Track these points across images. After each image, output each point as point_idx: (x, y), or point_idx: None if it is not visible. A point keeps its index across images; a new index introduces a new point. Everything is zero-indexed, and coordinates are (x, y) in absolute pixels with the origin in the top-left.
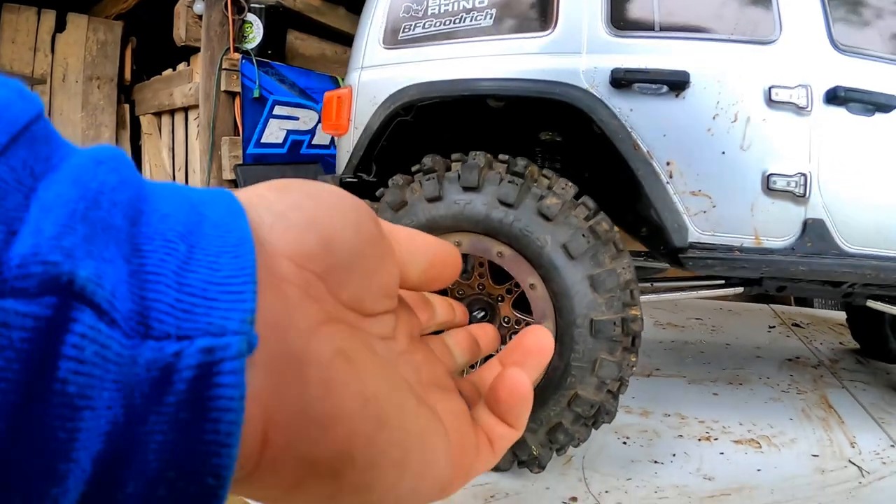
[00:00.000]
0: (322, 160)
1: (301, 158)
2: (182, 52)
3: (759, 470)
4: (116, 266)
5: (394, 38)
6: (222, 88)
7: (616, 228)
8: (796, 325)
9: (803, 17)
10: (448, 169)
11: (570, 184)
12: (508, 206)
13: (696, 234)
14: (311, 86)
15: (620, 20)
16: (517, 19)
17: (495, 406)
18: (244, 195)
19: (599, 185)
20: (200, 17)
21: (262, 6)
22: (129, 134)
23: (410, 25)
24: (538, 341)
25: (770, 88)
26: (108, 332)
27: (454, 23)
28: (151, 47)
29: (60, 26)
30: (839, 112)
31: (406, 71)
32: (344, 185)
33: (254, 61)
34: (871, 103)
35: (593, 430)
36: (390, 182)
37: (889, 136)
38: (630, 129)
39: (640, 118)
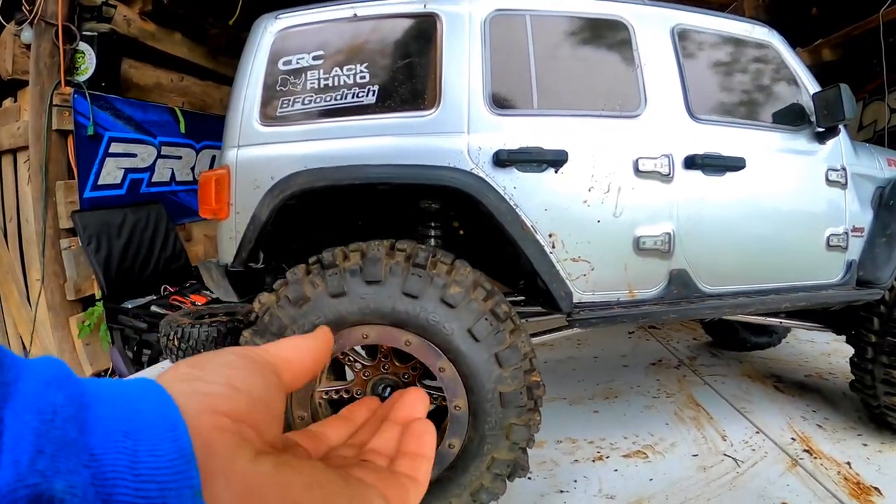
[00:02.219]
0: (164, 198)
1: (141, 198)
2: (7, 86)
3: (650, 479)
4: (81, 474)
5: (271, 115)
6: (54, 127)
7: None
8: (652, 326)
9: (664, 90)
10: (346, 258)
11: (468, 267)
12: (413, 297)
13: (578, 294)
14: (149, 119)
15: (501, 99)
16: (400, 97)
17: (407, 449)
18: (170, 379)
19: (480, 243)
20: (28, 46)
21: (95, 34)
22: None
23: (289, 101)
24: (421, 443)
25: (637, 160)
26: None
27: (335, 99)
28: None
29: None
30: (696, 175)
31: (287, 150)
32: (230, 274)
33: (87, 95)
34: (723, 166)
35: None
36: (289, 276)
37: (737, 191)
38: (515, 206)
39: (523, 195)
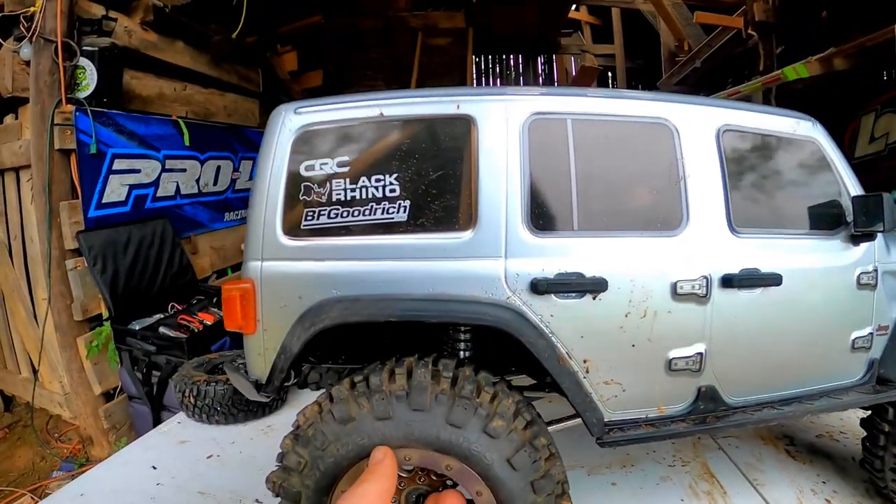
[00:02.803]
0: (169, 213)
1: (146, 214)
2: (8, 101)
3: None
4: None
5: (296, 226)
6: (56, 147)
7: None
8: None
9: (707, 204)
10: (391, 379)
11: (510, 399)
12: (457, 427)
13: (608, 414)
14: (153, 133)
15: (540, 218)
16: (434, 215)
17: None
18: None
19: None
20: (28, 62)
21: (95, 49)
22: None
23: (314, 213)
24: None
25: (676, 283)
26: None
27: (363, 214)
28: None
29: None
30: (732, 293)
31: (315, 268)
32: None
33: (89, 112)
34: (760, 284)
35: None
36: (334, 394)
37: (771, 306)
38: (551, 335)
39: (559, 322)
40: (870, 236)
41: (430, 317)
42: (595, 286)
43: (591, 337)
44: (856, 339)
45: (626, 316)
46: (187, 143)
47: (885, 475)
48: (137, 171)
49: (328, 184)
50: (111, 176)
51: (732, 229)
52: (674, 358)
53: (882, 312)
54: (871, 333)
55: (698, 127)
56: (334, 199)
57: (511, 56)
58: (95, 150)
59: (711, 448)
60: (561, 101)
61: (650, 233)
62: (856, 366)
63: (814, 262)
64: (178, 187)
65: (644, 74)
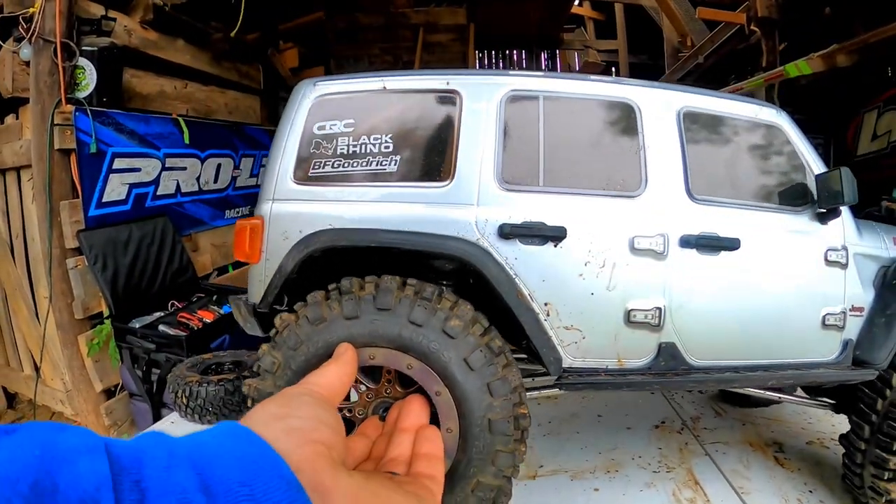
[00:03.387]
0: (170, 210)
1: (147, 212)
2: (8, 101)
3: None
4: None
5: (304, 174)
6: (56, 146)
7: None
8: None
9: (665, 172)
10: (361, 287)
11: (469, 306)
12: (418, 326)
13: (568, 360)
14: (153, 131)
15: (509, 176)
16: (418, 169)
17: (422, 451)
18: (265, 418)
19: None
20: (28, 63)
21: (95, 48)
22: None
23: (320, 163)
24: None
25: (634, 238)
26: None
27: (361, 165)
28: None
29: None
30: (691, 254)
31: (315, 209)
32: (258, 313)
33: (88, 112)
34: (718, 246)
35: None
36: (309, 298)
37: (731, 270)
38: (514, 276)
39: (523, 266)
40: (835, 212)
41: (405, 245)
42: (556, 234)
43: (551, 282)
44: (826, 315)
45: (586, 265)
46: (187, 142)
47: (865, 492)
48: (138, 170)
49: (335, 140)
50: (111, 175)
51: (691, 196)
52: (632, 309)
53: (856, 294)
54: (844, 312)
55: (659, 107)
56: (338, 153)
57: (514, 52)
58: (95, 150)
59: (698, 454)
60: (535, 82)
61: (610, 193)
62: (829, 345)
63: (776, 234)
64: (178, 185)
65: (647, 70)
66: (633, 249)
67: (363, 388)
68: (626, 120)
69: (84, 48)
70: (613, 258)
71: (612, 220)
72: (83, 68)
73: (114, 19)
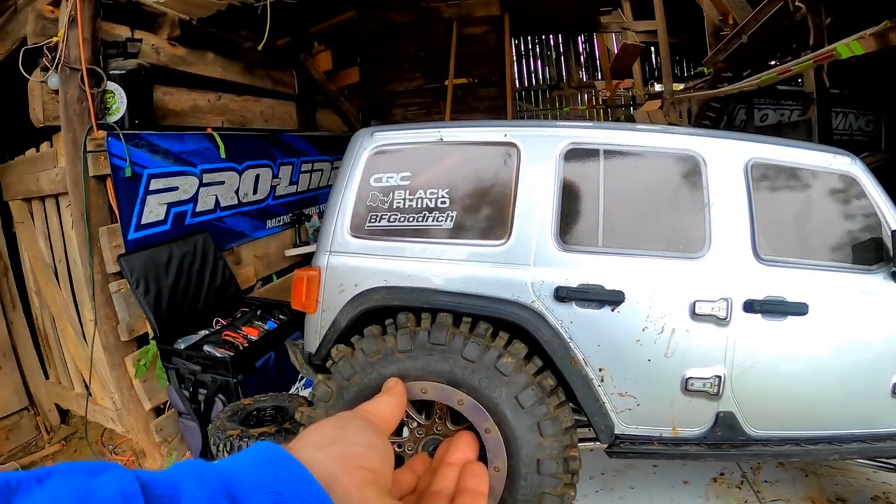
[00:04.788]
0: (209, 226)
1: (187, 230)
2: (42, 129)
3: None
4: None
5: (360, 227)
6: (91, 174)
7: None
8: None
9: (731, 231)
10: (417, 323)
11: (522, 345)
12: (470, 361)
13: (621, 427)
14: (188, 149)
15: (567, 235)
16: (475, 226)
17: (467, 487)
18: (316, 443)
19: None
20: (57, 92)
21: (123, 71)
22: (1, 221)
23: (376, 216)
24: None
25: (695, 302)
26: None
27: (417, 220)
28: (12, 117)
29: None
30: (755, 319)
31: (371, 263)
32: (312, 364)
33: (121, 136)
34: (785, 312)
35: None
36: (366, 332)
37: (797, 336)
38: (569, 340)
39: (578, 329)
40: None
41: (459, 309)
42: (614, 298)
43: (607, 347)
44: None
45: (644, 330)
46: (223, 156)
47: None
48: (175, 189)
49: (391, 193)
50: (148, 196)
51: (758, 256)
52: (691, 377)
53: None
54: None
55: (726, 159)
56: (395, 207)
57: (550, 37)
58: (131, 173)
59: None
60: (596, 134)
61: (672, 254)
62: None
63: (847, 296)
64: (217, 200)
65: (688, 50)
66: (694, 315)
67: (414, 424)
68: (690, 174)
69: (112, 72)
70: (673, 323)
71: (673, 283)
72: (112, 92)
73: (139, 40)
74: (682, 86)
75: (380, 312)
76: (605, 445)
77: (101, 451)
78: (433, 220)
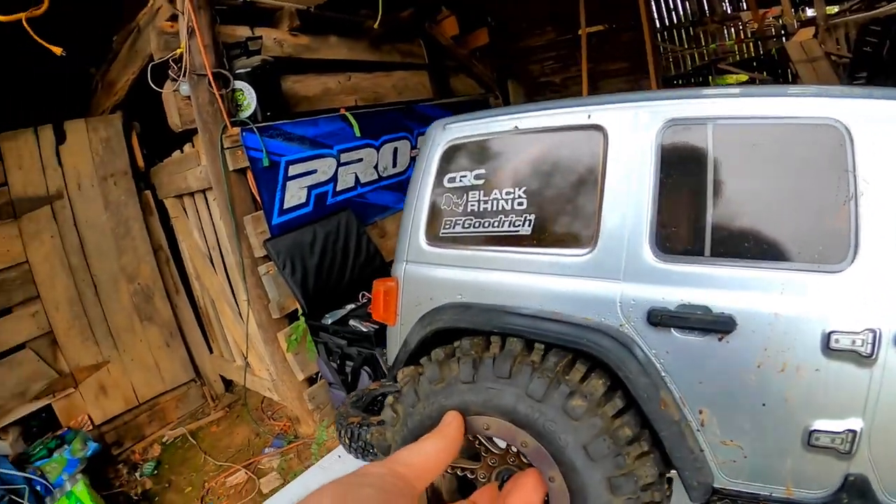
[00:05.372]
0: (351, 204)
1: (329, 210)
2: (185, 132)
3: None
4: None
5: (434, 234)
6: (230, 168)
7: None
8: None
9: (889, 235)
10: (485, 349)
11: (601, 382)
12: (536, 400)
13: (721, 479)
14: (322, 132)
15: (666, 241)
16: (556, 231)
17: None
18: None
19: None
20: (189, 97)
21: (248, 69)
22: (159, 217)
23: (451, 222)
24: None
25: (830, 334)
26: None
27: (493, 226)
28: (157, 125)
29: (60, 138)
30: None
31: (445, 274)
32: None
33: (254, 130)
34: None
35: None
36: (432, 355)
37: None
38: (664, 374)
39: (676, 362)
40: None
41: (528, 334)
42: (722, 325)
43: (710, 385)
44: None
45: (759, 366)
46: (358, 134)
47: None
48: (314, 172)
49: (465, 195)
50: (288, 182)
51: None
52: (816, 430)
53: None
54: None
55: (885, 128)
56: (469, 210)
57: None
58: (268, 163)
59: None
60: (702, 105)
61: (801, 266)
62: None
63: None
64: (356, 177)
65: None
66: (828, 349)
67: (487, 452)
68: (828, 152)
69: (238, 71)
70: (797, 360)
71: (801, 306)
72: (241, 90)
73: (259, 37)
74: (836, 8)
75: (454, 331)
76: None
77: (259, 417)
78: (510, 225)
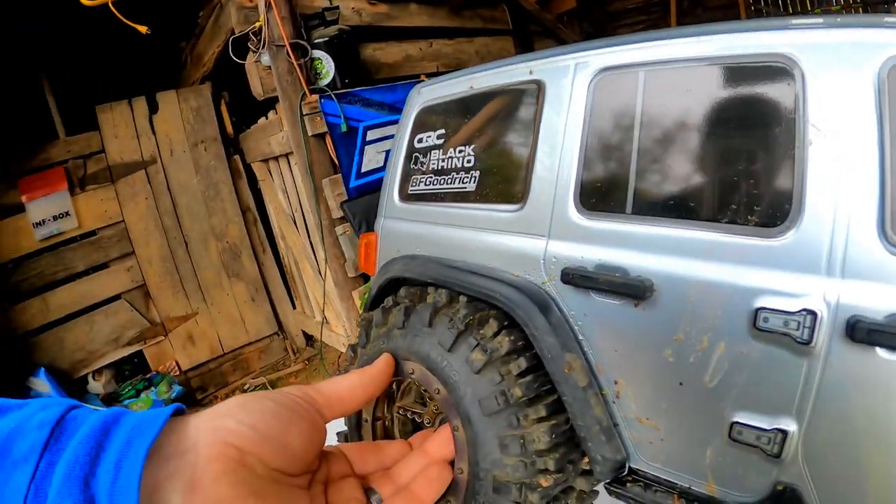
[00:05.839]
0: None
1: None
2: (268, 100)
3: None
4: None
5: (405, 191)
6: (309, 133)
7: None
8: None
9: (842, 188)
10: (421, 298)
11: (508, 339)
12: (446, 350)
13: (639, 460)
14: (400, 97)
15: (589, 196)
16: (495, 186)
17: (415, 489)
18: (213, 413)
19: None
20: (270, 68)
21: (325, 38)
22: (248, 180)
23: (417, 180)
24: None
25: (758, 311)
26: None
27: (447, 182)
28: (245, 94)
29: (153, 108)
30: (867, 352)
31: (409, 229)
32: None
33: (333, 97)
34: None
35: None
36: (383, 303)
37: None
38: (581, 338)
39: (592, 326)
40: None
41: (453, 286)
42: (637, 289)
43: (626, 355)
44: None
45: (676, 341)
46: None
47: None
48: (391, 137)
49: (429, 154)
50: (366, 147)
51: (886, 239)
52: (739, 423)
53: None
54: None
55: (841, 64)
56: (430, 169)
57: None
58: (346, 128)
59: None
60: (634, 50)
61: (731, 229)
62: None
63: None
64: None
65: None
66: (755, 329)
67: (431, 400)
68: (774, 94)
69: (316, 41)
70: (719, 338)
71: (727, 275)
72: (320, 59)
73: (336, 7)
74: None
75: (405, 281)
76: (604, 479)
77: (335, 371)
78: (459, 182)
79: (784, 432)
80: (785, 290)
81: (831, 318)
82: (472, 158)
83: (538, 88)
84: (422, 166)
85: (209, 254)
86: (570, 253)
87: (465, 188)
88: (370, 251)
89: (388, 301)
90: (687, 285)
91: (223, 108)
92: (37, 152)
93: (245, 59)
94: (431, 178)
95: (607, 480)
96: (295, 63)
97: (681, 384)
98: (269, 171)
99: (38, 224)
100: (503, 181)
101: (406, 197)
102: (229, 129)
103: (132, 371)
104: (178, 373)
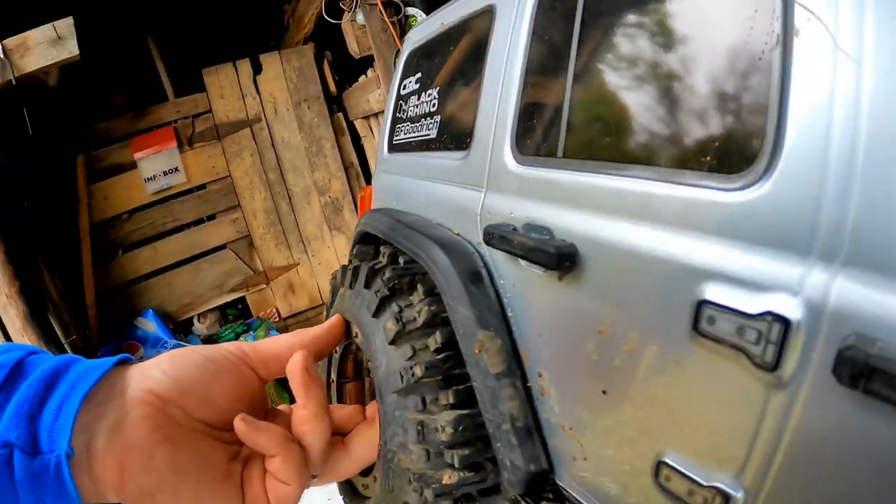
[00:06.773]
0: None
1: None
2: (365, 59)
3: None
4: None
5: (392, 142)
6: None
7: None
8: None
9: (832, 124)
10: (375, 257)
11: (427, 309)
12: (372, 316)
13: (562, 476)
14: None
15: (527, 141)
16: (450, 131)
17: (339, 447)
18: (146, 365)
19: None
20: (364, 26)
21: None
22: (350, 137)
23: (400, 129)
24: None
25: (700, 306)
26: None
27: (416, 131)
28: (346, 53)
29: (257, 69)
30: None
31: (389, 181)
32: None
33: None
34: None
35: None
36: (347, 263)
37: None
38: (509, 314)
39: (518, 300)
40: None
41: (396, 244)
42: (553, 258)
43: (548, 341)
44: None
45: (600, 333)
46: None
47: None
48: None
49: (409, 101)
50: None
51: None
52: (667, 464)
53: None
54: None
55: None
56: (408, 116)
57: None
58: None
59: None
60: None
61: (675, 177)
62: None
63: None
64: None
65: None
66: (697, 332)
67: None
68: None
69: None
70: (649, 338)
71: (666, 246)
72: (414, 16)
73: None
74: None
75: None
76: (515, 489)
77: None
78: (425, 130)
79: (725, 496)
80: (743, 275)
81: (816, 333)
82: (437, 102)
83: (491, 15)
84: (403, 114)
85: (311, 207)
86: (500, 208)
87: (428, 135)
88: (364, 206)
89: (350, 263)
90: (614, 256)
91: (326, 68)
92: (148, 113)
93: (339, 19)
94: (408, 125)
95: (519, 493)
96: (387, 21)
97: (604, 392)
98: (370, 128)
99: (149, 179)
100: (457, 125)
101: (392, 147)
102: (332, 87)
103: (236, 316)
104: (277, 319)
